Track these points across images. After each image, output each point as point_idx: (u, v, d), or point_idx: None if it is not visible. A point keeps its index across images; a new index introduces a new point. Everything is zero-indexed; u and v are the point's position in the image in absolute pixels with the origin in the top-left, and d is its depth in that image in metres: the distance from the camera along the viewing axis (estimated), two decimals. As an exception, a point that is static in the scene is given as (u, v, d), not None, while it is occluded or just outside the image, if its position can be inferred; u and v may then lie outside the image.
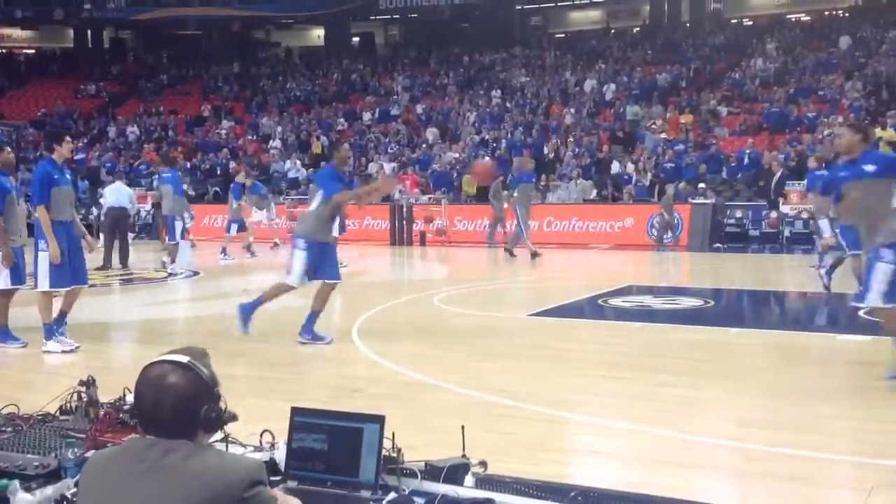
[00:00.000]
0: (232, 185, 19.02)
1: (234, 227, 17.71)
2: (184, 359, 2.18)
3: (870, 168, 6.43)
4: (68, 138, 8.21)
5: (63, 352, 7.80)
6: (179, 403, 2.13)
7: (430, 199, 22.47)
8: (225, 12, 37.99)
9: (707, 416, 5.77)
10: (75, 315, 8.54)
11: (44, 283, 7.80)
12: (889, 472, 4.70)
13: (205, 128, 32.42)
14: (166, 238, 15.58)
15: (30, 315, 8.44)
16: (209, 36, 40.90)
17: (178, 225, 14.92)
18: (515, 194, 16.88)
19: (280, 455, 2.98)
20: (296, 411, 2.95)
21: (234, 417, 2.36)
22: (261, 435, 3.12)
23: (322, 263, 8.19)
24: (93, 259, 10.69)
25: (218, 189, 26.31)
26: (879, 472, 4.70)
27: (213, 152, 29.16)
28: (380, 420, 2.84)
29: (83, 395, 3.48)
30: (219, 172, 27.64)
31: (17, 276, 8.06)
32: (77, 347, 7.90)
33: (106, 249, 15.67)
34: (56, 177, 7.80)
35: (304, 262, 8.12)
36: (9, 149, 8.68)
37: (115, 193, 16.33)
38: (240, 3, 37.91)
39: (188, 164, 28.17)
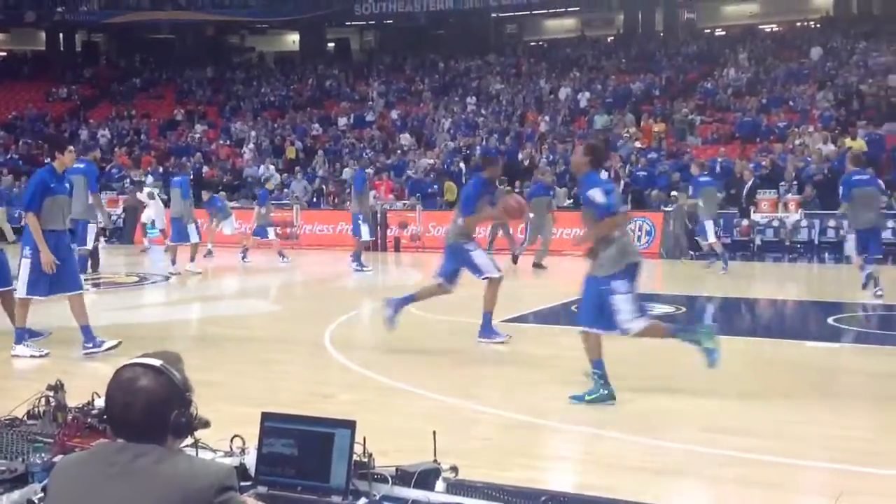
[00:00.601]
0: (260, 191, 18.89)
1: (270, 230, 17.50)
2: (156, 362, 2.17)
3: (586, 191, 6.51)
4: (71, 147, 8.18)
5: (32, 356, 7.73)
6: (150, 407, 2.11)
7: (404, 204, 22.45)
8: (199, 16, 37.79)
9: (678, 421, 5.80)
10: (40, 320, 8.46)
11: (21, 290, 7.81)
12: (857, 478, 4.75)
13: (178, 132, 32.22)
14: (168, 240, 15.66)
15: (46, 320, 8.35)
16: (183, 40, 40.66)
17: (192, 228, 15.18)
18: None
19: (250, 460, 2.96)
20: (266, 416, 2.93)
21: (205, 424, 2.35)
22: (231, 440, 3.10)
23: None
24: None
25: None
26: (848, 479, 4.75)
27: (186, 157, 28.98)
28: (350, 425, 2.83)
29: (51, 399, 3.44)
30: (191, 177, 27.43)
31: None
32: (46, 354, 7.84)
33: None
34: (52, 185, 7.77)
35: (484, 254, 8.76)
36: None
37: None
38: (214, 8, 37.73)
39: (160, 169, 27.95)
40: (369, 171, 25.24)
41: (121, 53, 40.88)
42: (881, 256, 12.68)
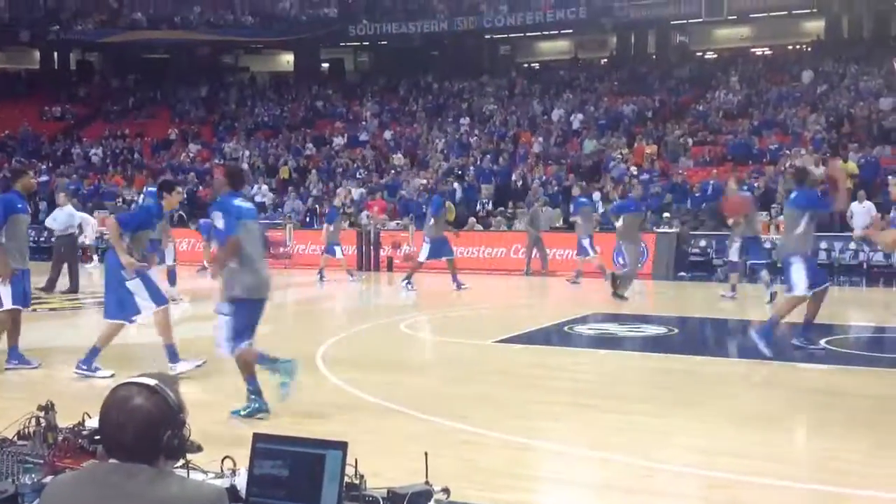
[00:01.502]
0: (329, 209, 18.98)
1: (338, 249, 17.73)
2: (151, 382, 2.16)
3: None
4: (179, 188, 8.93)
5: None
6: (143, 427, 2.11)
7: (397, 224, 22.48)
8: (193, 36, 37.91)
9: (671, 443, 5.80)
10: (31, 338, 8.46)
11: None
12: (848, 500, 4.75)
13: (171, 151, 32.24)
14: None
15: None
16: (177, 59, 40.74)
17: (170, 249, 14.51)
18: (619, 224, 14.71)
19: (241, 482, 2.95)
20: (257, 437, 2.92)
21: (198, 448, 2.34)
22: (222, 461, 3.09)
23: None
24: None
25: (182, 213, 26.11)
26: (839, 501, 4.75)
27: (180, 176, 28.99)
28: (342, 446, 2.82)
29: (41, 419, 3.43)
30: (185, 196, 27.45)
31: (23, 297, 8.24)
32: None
33: (52, 272, 15.47)
34: (19, 206, 8.15)
35: (804, 271, 8.93)
36: (31, 173, 9.15)
37: (66, 218, 16.04)
38: (208, 28, 37.85)
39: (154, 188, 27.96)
40: (363, 190, 25.33)
41: (115, 72, 40.94)
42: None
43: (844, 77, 27.40)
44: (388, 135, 30.38)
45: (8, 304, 8.03)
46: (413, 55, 37.40)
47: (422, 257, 15.93)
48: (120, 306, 7.82)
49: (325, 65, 41.20)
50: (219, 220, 6.37)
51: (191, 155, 31.29)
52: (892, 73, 25.87)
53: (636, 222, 14.79)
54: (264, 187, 26.96)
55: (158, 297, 7.91)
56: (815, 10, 32.91)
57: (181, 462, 2.72)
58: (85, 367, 7.80)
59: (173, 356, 7.86)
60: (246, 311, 6.42)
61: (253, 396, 6.43)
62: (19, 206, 8.19)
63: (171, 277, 14.39)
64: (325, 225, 18.46)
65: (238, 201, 6.49)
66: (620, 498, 4.76)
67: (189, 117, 35.40)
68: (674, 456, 5.46)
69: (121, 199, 26.98)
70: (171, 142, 33.12)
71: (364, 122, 32.03)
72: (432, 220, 15.93)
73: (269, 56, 42.66)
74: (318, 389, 7.58)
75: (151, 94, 38.15)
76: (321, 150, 30.02)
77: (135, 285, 7.75)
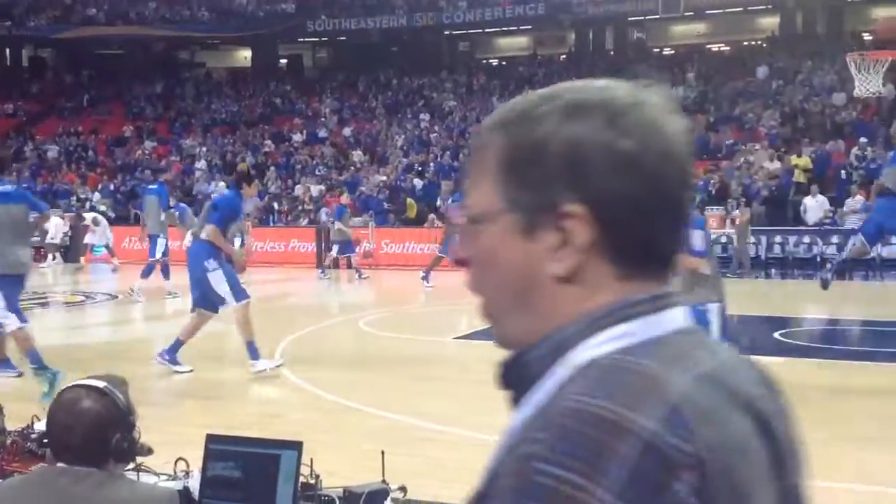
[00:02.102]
0: (336, 207, 18.52)
1: (335, 248, 17.60)
2: (100, 384, 2.13)
3: None
4: (256, 182, 9.18)
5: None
6: (91, 429, 2.08)
7: (358, 221, 22.38)
8: (149, 32, 37.38)
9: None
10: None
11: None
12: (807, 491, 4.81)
13: (126, 148, 31.80)
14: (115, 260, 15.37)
15: None
16: (132, 55, 40.17)
17: (161, 242, 14.11)
18: None
19: (194, 484, 2.91)
20: (211, 438, 2.88)
21: (148, 451, 2.30)
22: (175, 463, 3.04)
23: None
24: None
25: (138, 212, 25.81)
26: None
27: (135, 173, 28.63)
28: (297, 446, 2.79)
29: (-11, 423, 3.35)
30: (140, 194, 27.14)
31: None
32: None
33: None
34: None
35: None
36: None
37: None
38: (164, 23, 37.35)
39: (110, 186, 27.58)
40: (322, 187, 25.20)
41: (69, 69, 40.28)
42: None
43: (798, 73, 27.78)
44: (347, 131, 30.24)
45: None
46: (372, 51, 37.26)
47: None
48: (204, 298, 7.86)
49: (283, 61, 40.89)
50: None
51: (146, 152, 30.89)
52: (845, 69, 26.31)
53: None
54: (221, 184, 26.67)
55: (239, 293, 7.85)
56: (769, 7, 33.34)
57: (132, 465, 2.67)
58: (168, 359, 7.81)
59: (254, 353, 7.82)
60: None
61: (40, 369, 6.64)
62: None
63: (165, 271, 14.30)
64: (333, 222, 18.08)
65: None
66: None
67: (144, 114, 34.95)
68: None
69: (75, 198, 26.58)
70: (126, 139, 32.66)
71: (323, 119, 31.86)
72: (337, 225, 16.86)
73: (225, 52, 42.23)
74: (274, 388, 7.52)
75: (106, 91, 37.58)
76: (279, 147, 29.80)
77: (217, 278, 7.76)
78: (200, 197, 25.75)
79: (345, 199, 18.54)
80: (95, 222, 20.54)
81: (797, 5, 32.96)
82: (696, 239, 6.16)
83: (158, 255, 14.07)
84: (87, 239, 20.90)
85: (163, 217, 14.09)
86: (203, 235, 7.90)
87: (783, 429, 0.84)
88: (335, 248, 17.94)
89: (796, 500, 0.84)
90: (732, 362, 0.84)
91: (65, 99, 37.24)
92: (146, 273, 14.12)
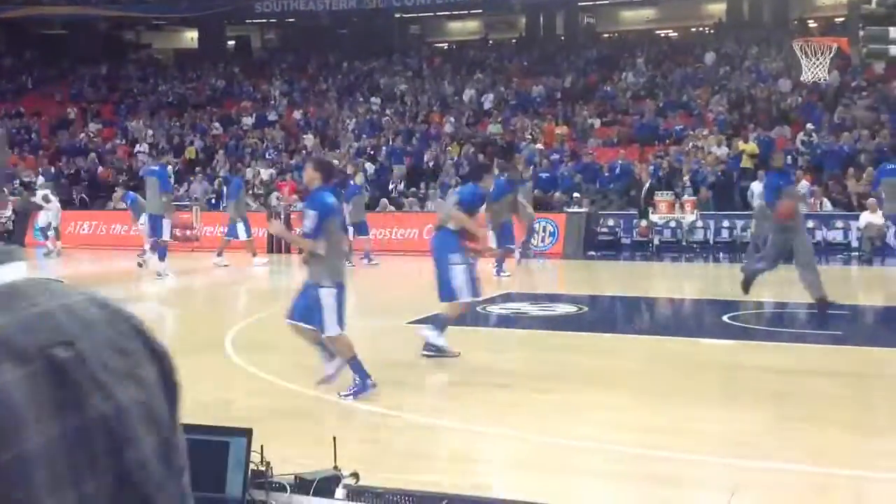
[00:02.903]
0: (352, 185, 17.78)
1: (351, 230, 16.61)
2: None
3: None
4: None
5: None
6: None
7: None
8: (93, 12, 36.53)
9: (581, 419, 5.86)
10: None
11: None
12: (752, 472, 4.87)
13: (70, 131, 31.11)
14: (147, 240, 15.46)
15: None
16: (76, 36, 39.27)
17: (166, 223, 14.72)
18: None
19: (140, 472, 2.83)
20: (158, 426, 2.81)
21: None
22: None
23: None
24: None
25: (84, 195, 25.29)
26: (743, 473, 4.86)
27: (80, 156, 28.02)
28: (246, 433, 2.73)
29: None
30: (83, 177, 26.59)
31: None
32: None
33: None
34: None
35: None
36: None
37: None
38: (108, 4, 36.52)
39: (52, 169, 26.97)
40: (273, 171, 24.93)
41: (10, 49, 39.23)
42: None
43: (745, 59, 28.12)
44: (297, 114, 29.93)
45: None
46: (322, 33, 36.88)
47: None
48: (447, 288, 7.92)
49: (231, 42, 40.32)
50: (308, 220, 6.33)
51: (91, 134, 30.25)
52: (791, 55, 26.70)
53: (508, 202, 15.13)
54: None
55: (474, 290, 7.90)
56: (717, -7, 33.72)
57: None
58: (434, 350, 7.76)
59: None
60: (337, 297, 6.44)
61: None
62: None
63: (161, 253, 14.80)
64: (343, 204, 17.46)
65: (327, 198, 6.45)
66: (533, 475, 4.77)
67: (89, 95, 34.21)
68: (584, 432, 5.51)
69: (17, 181, 25.95)
70: (70, 121, 31.95)
71: (273, 102, 31.48)
72: (350, 207, 16.18)
73: (171, 33, 41.49)
74: (225, 374, 7.42)
75: (49, 72, 36.70)
76: (228, 130, 29.39)
77: (459, 271, 7.81)
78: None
79: (359, 178, 18.18)
80: (46, 199, 20.01)
81: (744, -8, 33.38)
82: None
83: (166, 235, 14.84)
84: (41, 220, 20.28)
85: (164, 198, 14.77)
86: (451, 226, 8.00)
87: (117, 390, 0.79)
88: (350, 231, 16.56)
89: (134, 473, 0.79)
90: (52, 312, 0.80)
91: (6, 80, 36.29)
92: (162, 254, 14.83)
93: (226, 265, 16.47)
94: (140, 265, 15.31)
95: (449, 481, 4.88)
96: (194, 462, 2.75)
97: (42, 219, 20.20)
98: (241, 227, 16.88)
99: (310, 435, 5.11)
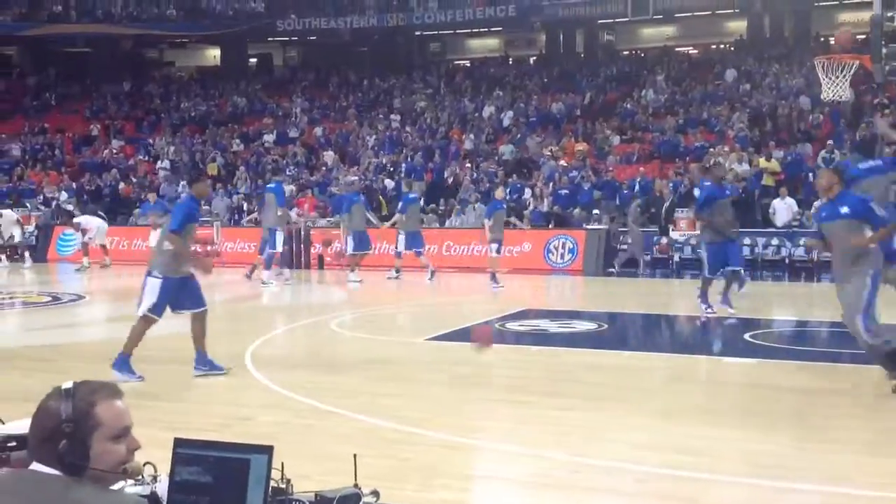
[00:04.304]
0: (403, 197, 18.12)
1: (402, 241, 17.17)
2: (69, 385, 2.08)
3: None
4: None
5: None
6: (37, 428, 2.05)
7: (328, 222, 22.26)
8: (116, 30, 36.96)
9: (601, 438, 5.83)
10: None
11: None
12: (772, 493, 4.83)
13: (93, 148, 31.42)
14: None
15: None
16: (99, 54, 39.71)
17: (279, 235, 16.28)
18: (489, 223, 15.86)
19: (162, 489, 2.85)
20: (179, 442, 2.82)
21: (128, 473, 2.22)
22: (142, 467, 2.98)
23: None
24: None
25: (100, 213, 25.44)
26: (763, 493, 4.82)
27: (102, 173, 28.27)
28: (268, 450, 2.73)
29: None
30: (106, 193, 26.80)
31: None
32: None
33: None
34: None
35: None
36: None
37: None
38: (132, 22, 36.95)
39: (74, 185, 27.22)
40: (293, 187, 25.04)
41: (34, 67, 39.73)
42: None
43: (766, 76, 28.03)
44: (318, 131, 30.09)
45: None
46: (342, 51, 37.13)
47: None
48: None
49: (253, 60, 40.65)
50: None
51: (114, 151, 30.53)
52: (812, 72, 26.59)
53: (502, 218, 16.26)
54: (284, 185, 26.28)
55: None
56: (737, 10, 33.65)
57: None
58: None
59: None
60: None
61: None
62: None
63: (269, 263, 16.38)
64: (397, 214, 17.58)
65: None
66: (553, 494, 4.75)
67: (111, 113, 34.55)
68: (604, 451, 5.48)
69: (41, 198, 26.21)
70: (93, 138, 32.27)
71: (294, 119, 31.68)
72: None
73: (194, 51, 41.89)
74: (245, 390, 7.44)
75: (72, 89, 37.12)
76: (249, 147, 29.59)
77: None
78: (167, 198, 25.48)
79: (416, 186, 18.46)
80: (99, 215, 20.70)
81: (764, 9, 33.29)
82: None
83: (279, 247, 16.38)
84: (87, 237, 20.44)
85: (279, 212, 16.35)
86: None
87: None
88: (401, 243, 17.07)
89: None
90: None
91: (30, 97, 36.74)
92: (269, 263, 16.33)
93: (360, 281, 16.65)
94: (248, 276, 16.89)
95: (469, 499, 4.87)
96: (216, 479, 2.76)
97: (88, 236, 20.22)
98: (279, 236, 16.67)
99: (330, 452, 5.11)
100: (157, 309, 7.70)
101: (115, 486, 2.81)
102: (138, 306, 7.78)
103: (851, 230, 7.01)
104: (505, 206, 17.03)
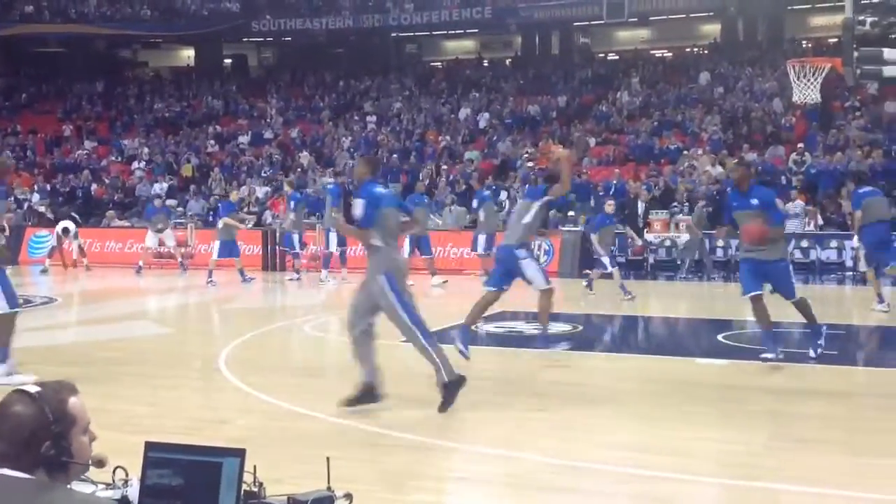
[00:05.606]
0: (417, 195, 18.61)
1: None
2: (33, 389, 2.08)
3: None
4: None
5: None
6: (13, 434, 2.04)
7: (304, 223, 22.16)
8: (89, 30, 36.59)
9: (576, 439, 5.84)
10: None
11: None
12: (749, 492, 4.85)
13: (65, 148, 31.11)
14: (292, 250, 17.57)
15: None
16: (72, 54, 39.34)
17: (333, 236, 16.71)
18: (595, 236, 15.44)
19: (133, 493, 2.82)
20: (150, 446, 2.79)
21: (99, 463, 2.24)
22: (113, 471, 2.94)
23: None
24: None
25: (74, 214, 25.23)
26: (740, 493, 4.85)
27: (74, 174, 27.99)
28: (240, 453, 2.71)
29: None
30: (78, 195, 26.56)
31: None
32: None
33: None
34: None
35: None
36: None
37: None
38: (105, 21, 36.61)
39: (47, 187, 26.95)
40: (268, 189, 24.91)
41: (6, 67, 39.29)
42: None
43: (739, 79, 28.26)
44: (293, 132, 29.98)
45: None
46: (318, 52, 37.01)
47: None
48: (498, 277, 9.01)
49: (228, 60, 40.42)
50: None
51: (87, 151, 30.26)
52: (784, 76, 26.81)
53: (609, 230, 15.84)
54: (165, 185, 26.24)
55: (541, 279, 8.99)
56: (711, 14, 33.90)
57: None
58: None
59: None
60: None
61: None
62: None
63: (325, 262, 17.16)
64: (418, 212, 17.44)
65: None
66: (529, 495, 4.75)
67: (85, 113, 34.24)
68: (579, 452, 5.49)
69: (13, 198, 25.90)
70: (65, 139, 31.97)
71: (269, 120, 31.54)
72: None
73: (168, 51, 41.60)
74: (218, 393, 7.39)
75: (45, 90, 36.76)
76: (224, 148, 29.42)
77: (525, 264, 8.88)
78: (143, 198, 25.28)
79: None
80: (66, 232, 20.55)
81: (738, 12, 33.55)
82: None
83: (333, 247, 16.97)
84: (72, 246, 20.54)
85: (334, 213, 16.60)
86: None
87: None
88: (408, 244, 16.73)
89: None
90: None
91: (2, 98, 36.33)
92: (326, 263, 17.13)
93: (445, 281, 17.09)
94: (299, 278, 17.46)
95: (444, 502, 4.86)
96: (188, 482, 2.74)
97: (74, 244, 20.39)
98: (295, 238, 17.59)
99: (303, 455, 5.09)
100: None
101: (88, 489, 2.78)
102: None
103: (758, 219, 8.08)
104: (615, 220, 16.02)
